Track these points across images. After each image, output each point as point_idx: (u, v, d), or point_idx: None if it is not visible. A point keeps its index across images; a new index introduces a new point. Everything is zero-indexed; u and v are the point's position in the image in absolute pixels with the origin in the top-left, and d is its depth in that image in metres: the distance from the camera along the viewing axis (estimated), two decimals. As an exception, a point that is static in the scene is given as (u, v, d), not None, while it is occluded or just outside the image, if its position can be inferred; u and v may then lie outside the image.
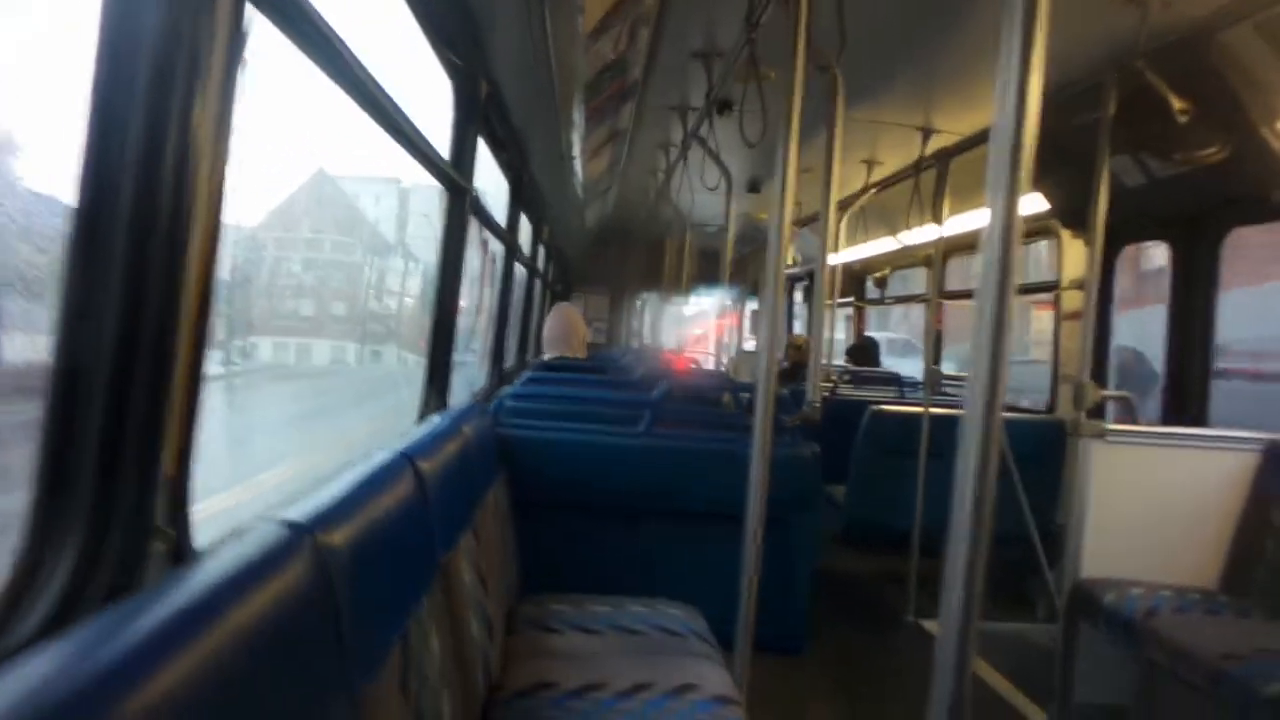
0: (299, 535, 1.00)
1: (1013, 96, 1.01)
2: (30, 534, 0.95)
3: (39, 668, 0.67)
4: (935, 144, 4.23)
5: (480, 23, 2.40)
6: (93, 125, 0.94)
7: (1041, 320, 4.79)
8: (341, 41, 1.37)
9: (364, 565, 1.12)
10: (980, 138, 4.04)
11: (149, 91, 0.96)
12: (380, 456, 1.48)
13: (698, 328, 10.37)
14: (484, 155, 3.48)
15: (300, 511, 1.07)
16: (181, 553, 1.06)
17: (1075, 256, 4.19)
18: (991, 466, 1.02)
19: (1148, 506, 2.85)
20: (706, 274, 7.25)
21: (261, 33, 1.14)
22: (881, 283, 7.25)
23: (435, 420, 2.05)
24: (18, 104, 1.14)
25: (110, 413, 0.97)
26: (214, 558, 0.93)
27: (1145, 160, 3.23)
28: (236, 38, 1.04)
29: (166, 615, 0.78)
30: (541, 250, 6.57)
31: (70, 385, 0.96)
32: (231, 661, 0.80)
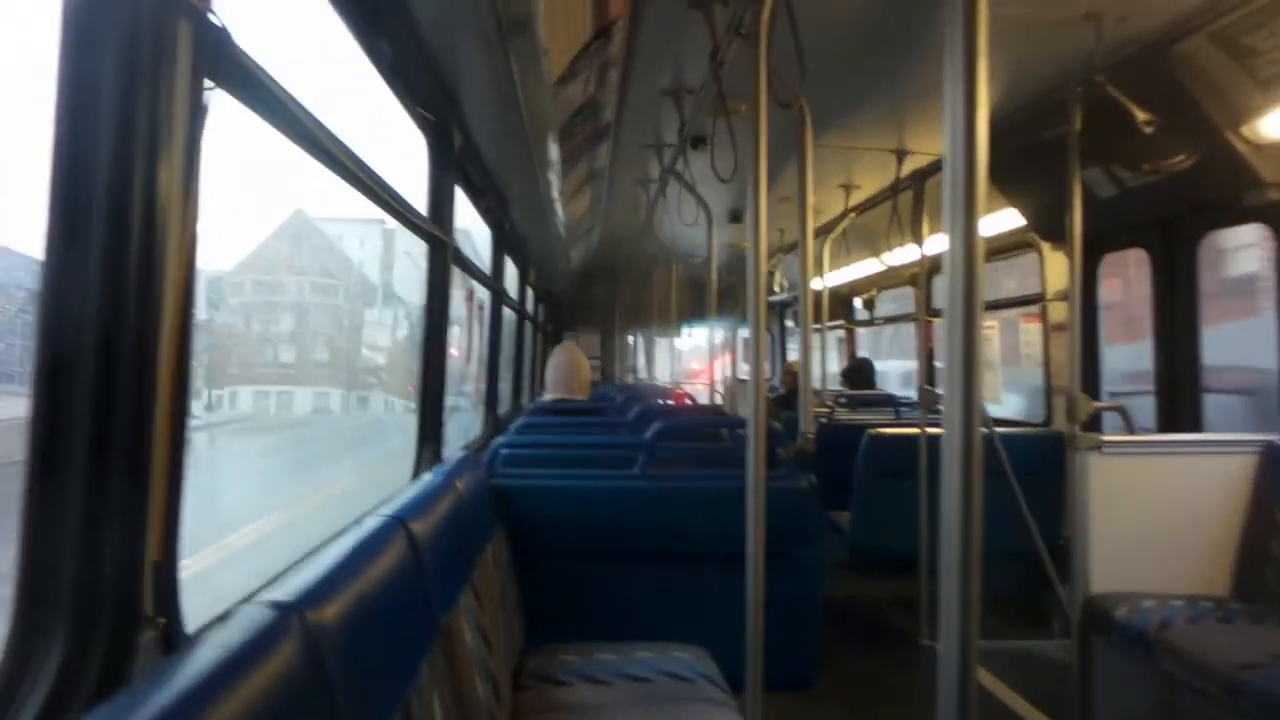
0: (286, 616, 0.98)
1: (961, 124, 1.02)
2: (14, 628, 0.93)
3: None
4: (910, 165, 4.27)
5: (448, 77, 2.43)
6: (55, 205, 0.93)
7: (1030, 332, 4.79)
8: (307, 112, 1.37)
9: (358, 639, 1.09)
10: None
11: (112, 172, 0.95)
12: (370, 523, 1.46)
13: (692, 361, 10.38)
14: (464, 201, 3.50)
15: (287, 590, 1.05)
16: (172, 640, 1.04)
17: (1057, 268, 4.22)
18: (976, 483, 1.01)
19: (1151, 516, 2.83)
20: (696, 305, 7.28)
21: (224, 104, 1.15)
22: (869, 304, 7.28)
23: (427, 478, 2.03)
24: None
25: (91, 499, 0.96)
26: (202, 647, 0.91)
27: (1116, 171, 3.27)
28: (197, 113, 1.05)
29: (157, 715, 0.75)
30: (530, 292, 6.59)
31: (47, 472, 0.94)
32: None
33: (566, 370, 4.10)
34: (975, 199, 1.00)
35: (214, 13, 1.03)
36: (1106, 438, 2.85)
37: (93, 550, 0.96)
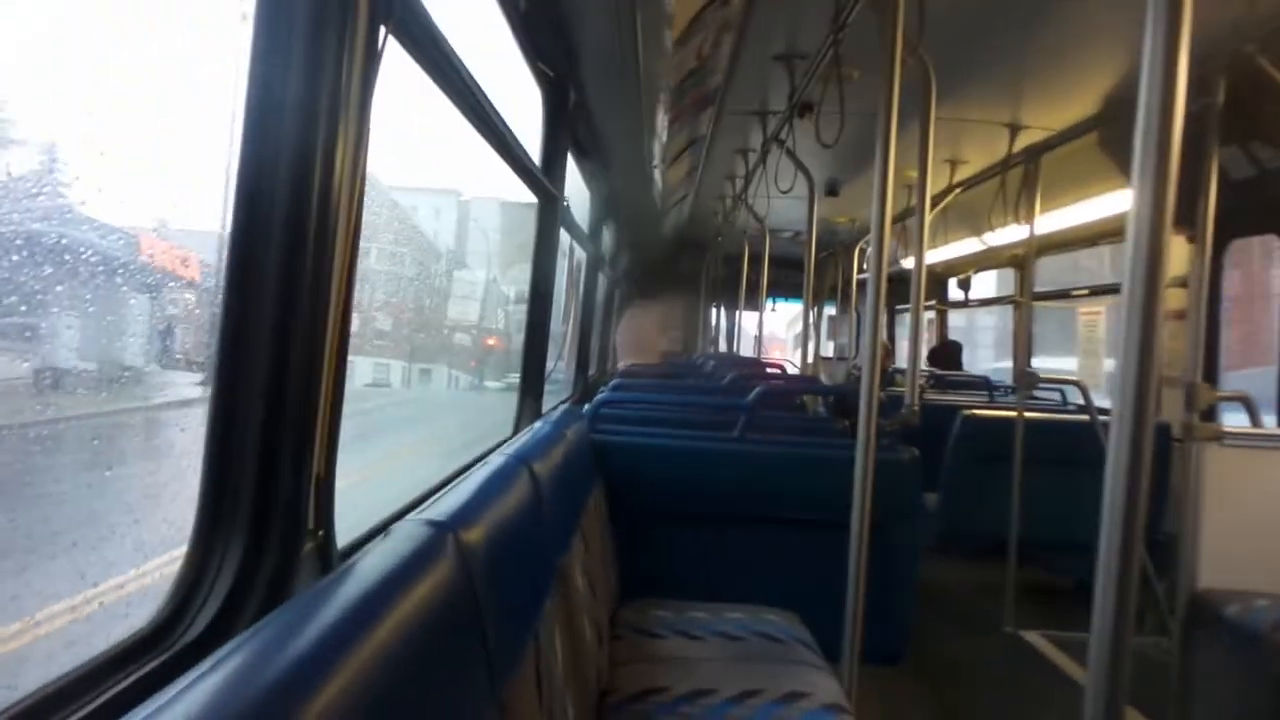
0: (442, 534, 1.03)
1: (1159, 76, 0.98)
2: (195, 539, 1.00)
3: (213, 677, 0.68)
4: (1023, 140, 4.12)
5: (572, 33, 2.45)
6: (245, 152, 0.99)
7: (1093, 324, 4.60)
8: (463, 64, 1.41)
9: (499, 565, 1.14)
10: (1073, 132, 3.92)
11: (298, 125, 1.00)
12: (497, 460, 1.51)
13: (774, 334, 10.29)
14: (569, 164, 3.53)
15: (439, 511, 1.09)
16: (328, 554, 1.10)
17: (1176, 253, 4.02)
18: (1142, 477, 0.98)
19: (1267, 512, 2.71)
20: (781, 280, 7.19)
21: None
22: (965, 284, 7.08)
23: (538, 425, 2.08)
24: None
25: (266, 420, 1.02)
26: (364, 559, 0.96)
27: (1255, 150, 3.09)
28: (372, 59, 1.08)
29: (328, 622, 0.79)
30: (623, 258, 6.62)
31: (230, 396, 1.01)
32: (387, 665, 0.81)
33: (638, 334, 4.13)
34: (1169, 159, 0.97)
35: None
36: (1227, 429, 2.73)
37: (268, 466, 1.02)
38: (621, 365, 4.15)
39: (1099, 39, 2.84)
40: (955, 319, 8.19)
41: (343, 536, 1.15)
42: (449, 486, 1.31)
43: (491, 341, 5.97)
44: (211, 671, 0.69)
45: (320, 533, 1.08)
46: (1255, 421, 2.85)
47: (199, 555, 0.99)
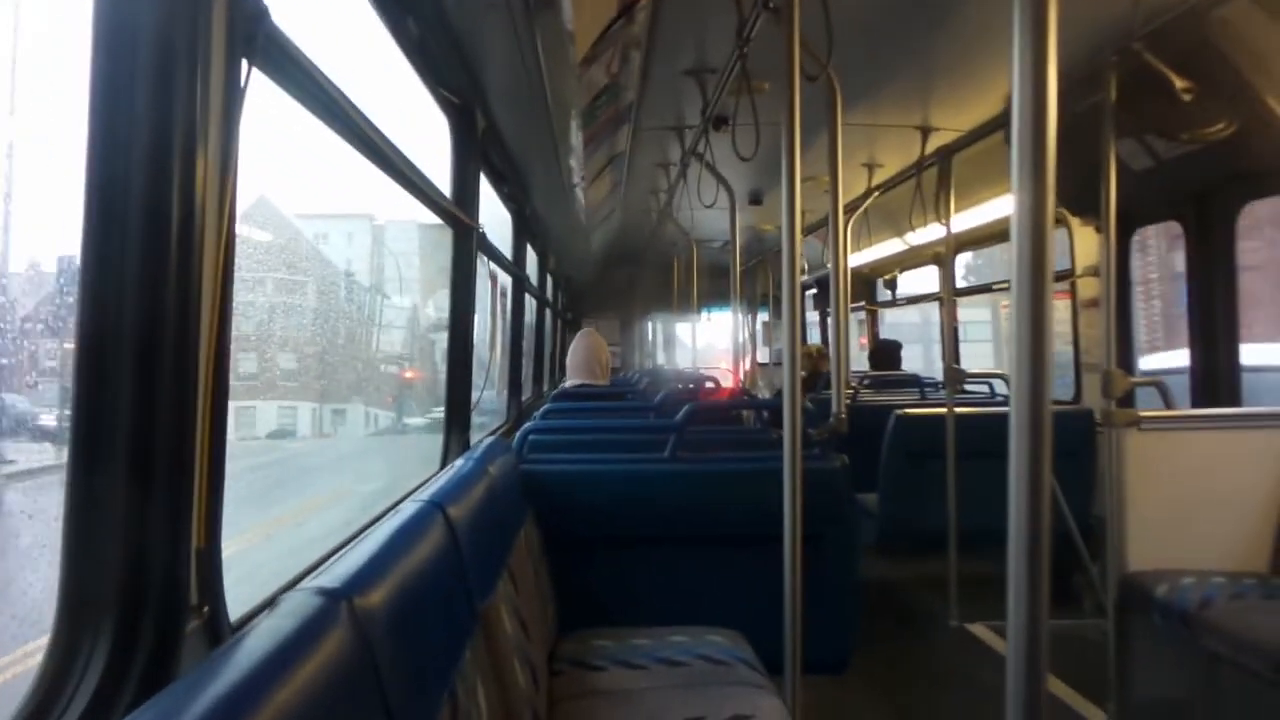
0: (335, 603, 0.97)
1: (1029, 82, 0.98)
2: (60, 621, 0.92)
3: None
4: (935, 142, 4.20)
5: (473, 58, 2.40)
6: (92, 191, 0.92)
7: (1058, 309, 4.72)
8: (341, 93, 1.35)
9: (403, 626, 1.08)
10: (981, 132, 4.01)
11: (149, 157, 0.93)
12: (409, 508, 1.45)
13: (711, 344, 10.33)
14: (485, 189, 3.47)
15: (333, 577, 1.03)
16: (218, 630, 1.03)
17: (1086, 244, 4.15)
18: (1045, 463, 0.98)
19: (1189, 492, 2.78)
20: (714, 290, 7.23)
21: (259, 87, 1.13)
22: (891, 284, 7.21)
23: (459, 463, 2.01)
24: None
25: (134, 487, 0.94)
26: (249, 636, 0.89)
27: (1151, 142, 3.20)
28: (234, 94, 1.03)
29: (207, 710, 0.73)
30: (550, 279, 6.57)
31: (90, 462, 0.93)
32: None
33: (588, 355, 4.08)
34: (1045, 161, 0.97)
35: None
36: (1144, 413, 2.80)
37: (137, 539, 0.95)
38: (569, 384, 4.09)
39: (998, 41, 2.91)
40: (911, 315, 8.30)
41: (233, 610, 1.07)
42: (349, 546, 1.24)
43: (412, 374, 5.56)
44: None
45: (206, 609, 1.01)
46: (1169, 405, 2.93)
47: (65, 643, 0.91)
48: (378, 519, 1.50)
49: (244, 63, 1.03)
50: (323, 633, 0.92)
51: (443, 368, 2.76)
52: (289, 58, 1.16)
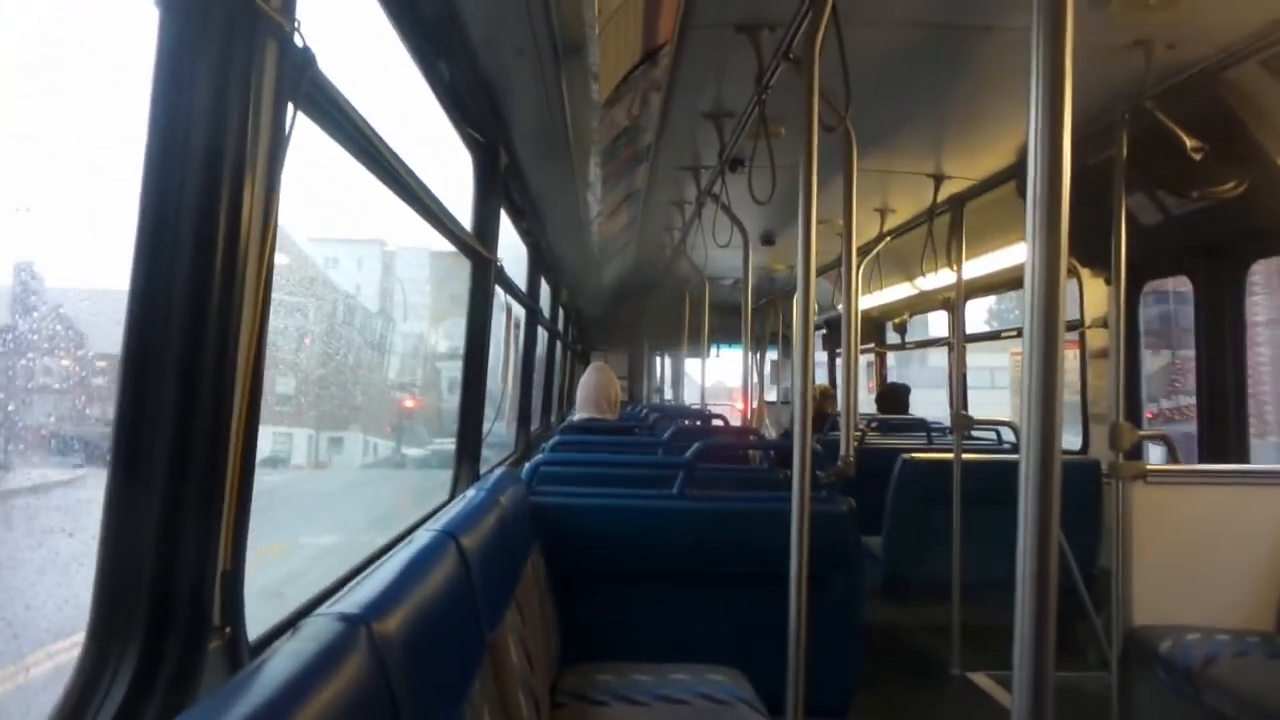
0: (354, 628, 0.99)
1: (1044, 135, 1.02)
2: (90, 638, 0.95)
3: None
4: (947, 190, 4.26)
5: (500, 100, 2.47)
6: (143, 232, 0.96)
7: (1067, 359, 4.74)
8: (376, 134, 1.40)
9: (417, 652, 1.10)
10: (993, 181, 4.07)
11: (198, 195, 0.98)
12: (422, 537, 1.48)
13: (720, 381, 10.36)
14: (503, 223, 3.53)
15: (352, 603, 1.06)
16: (238, 651, 1.05)
17: (1096, 296, 4.18)
18: (1053, 513, 1.00)
19: (1195, 547, 2.78)
20: (723, 327, 7.28)
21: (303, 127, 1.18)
22: (901, 328, 7.24)
23: (470, 494, 2.04)
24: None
25: (167, 509, 0.98)
26: (272, 659, 0.92)
27: (1162, 198, 3.24)
28: (279, 137, 1.07)
29: None
30: (561, 312, 6.62)
31: (127, 484, 0.97)
32: None
33: (598, 389, 4.11)
34: (1058, 217, 1.00)
35: (301, 34, 1.06)
36: (1151, 466, 2.81)
37: (167, 560, 0.98)
38: (577, 417, 4.11)
39: (1012, 94, 2.97)
40: (938, 358, 8.28)
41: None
42: (368, 570, 1.27)
43: (414, 403, 5.36)
44: None
45: (228, 630, 1.04)
46: (1174, 459, 2.94)
47: (93, 658, 0.94)
48: (392, 545, 1.53)
49: (290, 106, 1.08)
50: (342, 658, 0.94)
51: (448, 397, 2.79)
52: (331, 102, 1.21)
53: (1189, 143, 2.73)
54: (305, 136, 1.34)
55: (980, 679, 3.62)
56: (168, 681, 0.96)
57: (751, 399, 6.73)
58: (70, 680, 0.93)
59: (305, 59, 1.08)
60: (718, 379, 10.34)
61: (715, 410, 5.83)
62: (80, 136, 1.10)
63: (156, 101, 0.95)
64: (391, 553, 1.38)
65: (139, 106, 0.97)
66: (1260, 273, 3.55)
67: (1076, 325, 4.28)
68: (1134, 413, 3.80)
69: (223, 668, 1.03)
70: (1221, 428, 3.34)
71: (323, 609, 1.04)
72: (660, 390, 10.07)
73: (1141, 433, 2.95)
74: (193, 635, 0.99)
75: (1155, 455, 3.64)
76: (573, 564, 2.52)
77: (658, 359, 10.33)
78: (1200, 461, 3.38)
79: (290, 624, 1.08)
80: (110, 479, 0.96)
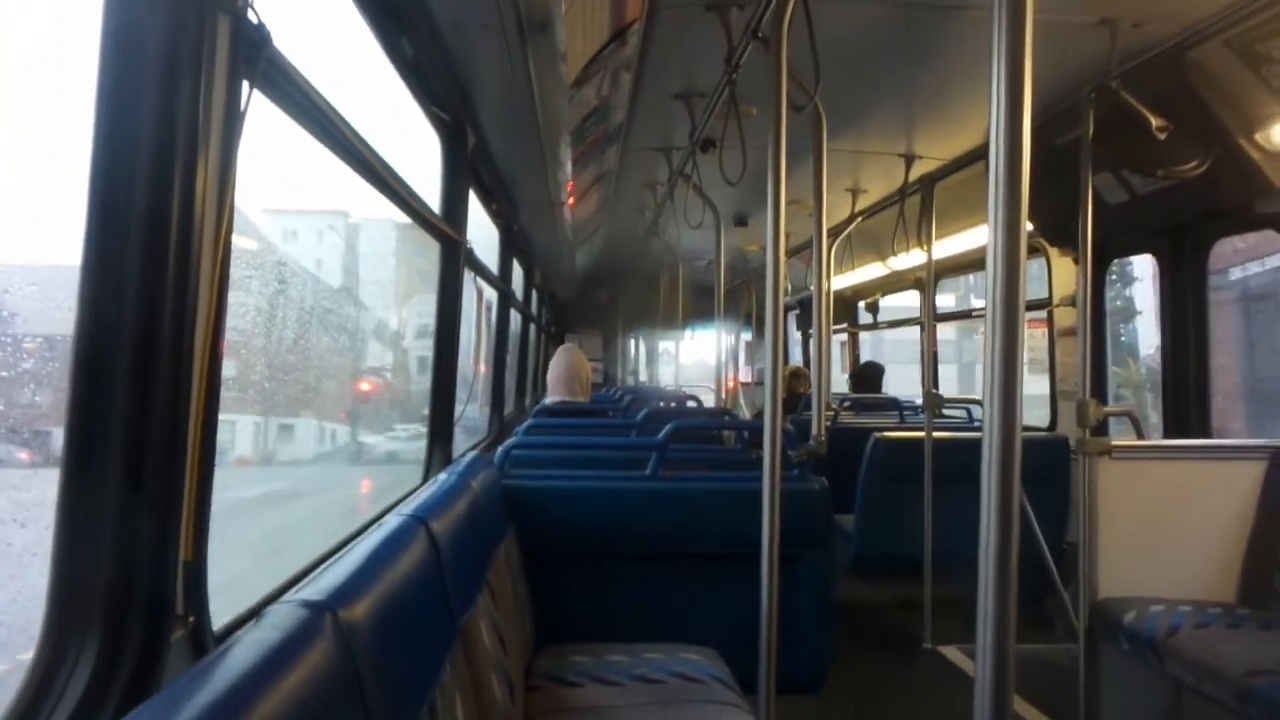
0: (319, 615, 0.98)
1: (1005, 115, 1.02)
2: (48, 629, 0.93)
3: None
4: (918, 170, 4.28)
5: (465, 77, 2.43)
6: (94, 206, 0.94)
7: (1035, 337, 4.80)
8: (337, 113, 1.38)
9: (386, 639, 1.09)
10: (963, 161, 4.09)
11: (150, 173, 0.96)
12: (392, 521, 1.46)
13: (694, 361, 10.38)
14: (473, 204, 3.49)
15: (318, 589, 1.05)
16: (201, 640, 1.04)
17: (1063, 273, 4.23)
18: (1014, 489, 1.01)
19: (1159, 521, 2.84)
20: (698, 308, 7.28)
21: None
22: (873, 308, 7.28)
23: (442, 477, 2.03)
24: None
25: (125, 499, 0.96)
26: (235, 648, 0.90)
27: (1127, 177, 3.28)
28: (234, 115, 1.05)
29: (196, 715, 0.75)
30: (534, 294, 6.59)
31: (82, 472, 0.95)
32: None
33: (569, 372, 4.09)
34: (1019, 193, 1.01)
35: (255, 10, 1.03)
36: (1117, 443, 2.86)
37: (126, 550, 0.96)
38: (549, 400, 4.08)
39: (979, 75, 2.99)
40: (906, 335, 8.33)
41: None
42: (335, 557, 1.26)
43: (372, 385, 4.87)
44: None
45: (191, 619, 1.02)
46: (1140, 435, 2.99)
47: (51, 649, 0.92)
48: (360, 531, 1.52)
49: (245, 84, 1.06)
50: (307, 645, 0.93)
51: (417, 379, 2.76)
52: (289, 79, 1.18)
53: (1154, 122, 2.76)
54: (266, 110, 1.31)
55: (950, 652, 3.68)
56: (130, 671, 0.95)
57: (725, 380, 6.75)
58: (25, 677, 0.91)
59: (260, 35, 1.05)
60: (699, 358, 10.36)
61: (689, 392, 5.84)
62: (25, 113, 1.07)
63: (104, 80, 0.92)
64: (359, 539, 1.37)
65: (86, 86, 0.94)
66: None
67: (1044, 304, 4.33)
68: (1100, 389, 3.86)
69: (186, 657, 1.02)
70: (1184, 404, 3.40)
71: (287, 596, 1.03)
72: (635, 372, 10.07)
73: (1107, 409, 2.99)
74: (154, 625, 0.97)
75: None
76: (547, 547, 2.51)
77: (632, 341, 10.32)
78: (1165, 437, 3.44)
79: (255, 613, 1.06)
80: (65, 467, 0.94)
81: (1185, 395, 3.41)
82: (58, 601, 0.93)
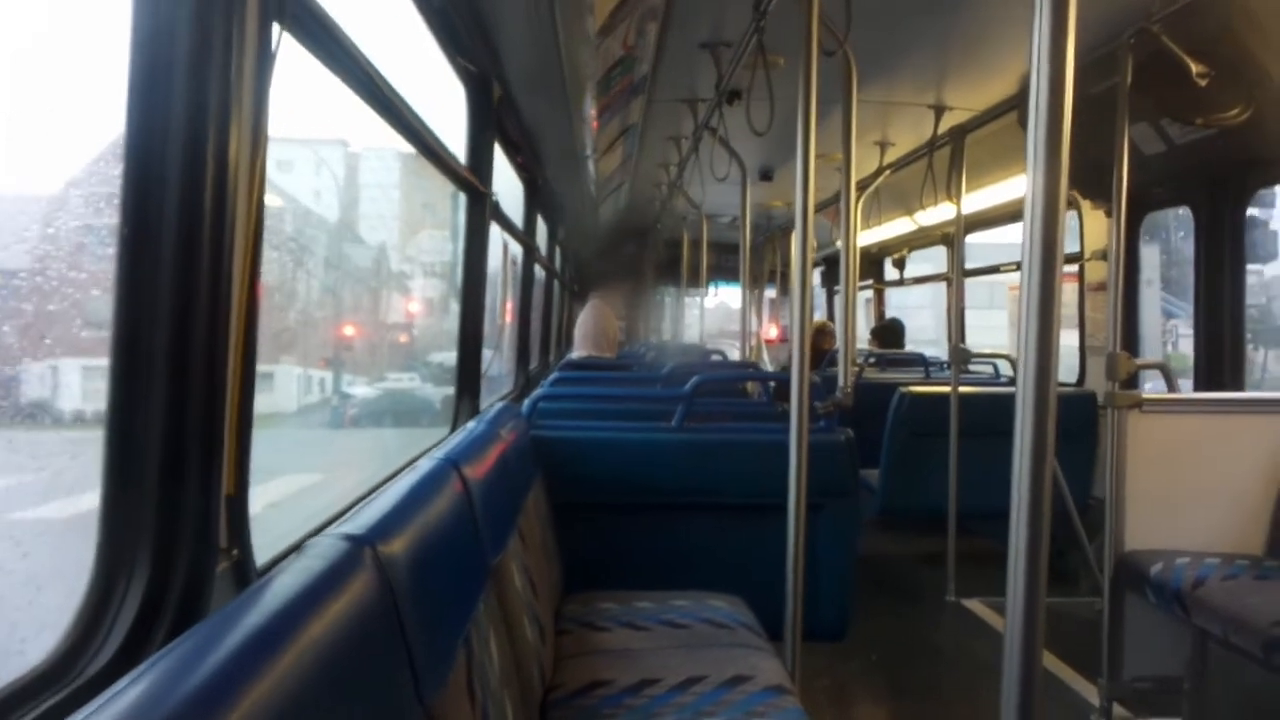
0: (359, 548, 1.01)
1: (1046, 63, 1.00)
2: (99, 562, 0.97)
3: (121, 703, 0.67)
4: (948, 121, 4.20)
5: (491, 27, 2.41)
6: (131, 151, 0.95)
7: (1065, 291, 4.74)
8: (366, 59, 1.37)
9: (423, 574, 1.12)
10: (994, 112, 4.01)
11: (185, 118, 0.97)
12: (425, 465, 1.49)
13: (719, 318, 10.36)
14: (498, 159, 3.47)
15: (357, 524, 1.08)
16: (245, 572, 1.08)
17: (1095, 227, 4.15)
18: (1049, 441, 1.01)
19: (1188, 475, 2.82)
20: (722, 265, 7.24)
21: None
22: (900, 264, 7.21)
23: (471, 425, 2.06)
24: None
25: (169, 436, 0.99)
26: (279, 577, 0.93)
27: (1164, 126, 3.20)
28: (265, 58, 1.05)
29: (240, 642, 0.77)
30: (558, 251, 6.58)
31: (127, 411, 0.97)
32: (306, 683, 0.79)
33: (596, 327, 4.11)
34: (1060, 141, 0.99)
35: None
36: (1147, 395, 2.83)
37: (173, 485, 0.99)
38: (575, 355, 4.10)
39: (1015, 21, 2.91)
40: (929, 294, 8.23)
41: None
42: (371, 496, 1.29)
43: (361, 330, 4.54)
44: (119, 696, 0.67)
45: (235, 551, 1.06)
46: (1171, 388, 2.96)
47: (103, 580, 0.95)
48: (396, 474, 1.55)
49: (275, 27, 1.06)
50: (348, 575, 0.96)
51: (426, 322, 2.77)
52: (319, 23, 1.18)
53: (1194, 68, 2.68)
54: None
55: (974, 605, 3.70)
56: (178, 600, 0.98)
57: (753, 335, 6.74)
58: (79, 605, 0.95)
59: None
60: (716, 317, 10.33)
61: (714, 348, 5.84)
62: (61, 57, 1.08)
63: (138, 20, 0.93)
64: (394, 479, 1.40)
65: (120, 25, 0.94)
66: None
67: (1076, 258, 4.27)
68: (1131, 344, 3.82)
69: (231, 588, 1.05)
70: (1218, 357, 3.35)
71: (328, 530, 1.06)
72: (659, 329, 10.06)
73: (1139, 362, 2.96)
74: (199, 557, 1.00)
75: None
76: (574, 496, 2.55)
77: (656, 297, 10.30)
78: (1196, 390, 3.40)
79: (296, 547, 1.10)
80: (110, 408, 0.97)
81: (1219, 348, 3.36)
82: (108, 535, 0.96)
